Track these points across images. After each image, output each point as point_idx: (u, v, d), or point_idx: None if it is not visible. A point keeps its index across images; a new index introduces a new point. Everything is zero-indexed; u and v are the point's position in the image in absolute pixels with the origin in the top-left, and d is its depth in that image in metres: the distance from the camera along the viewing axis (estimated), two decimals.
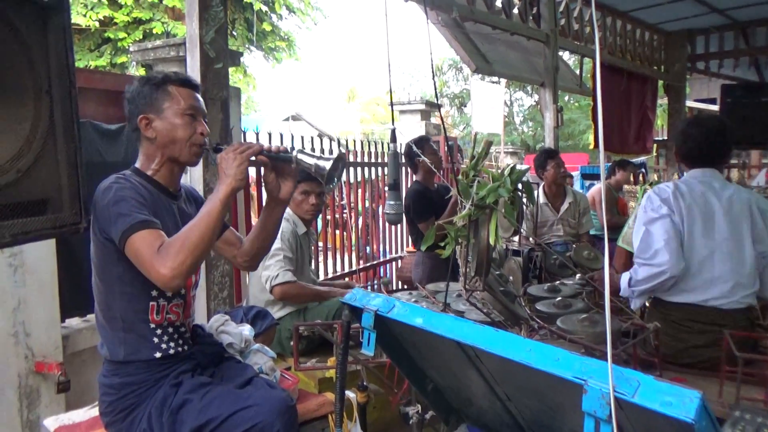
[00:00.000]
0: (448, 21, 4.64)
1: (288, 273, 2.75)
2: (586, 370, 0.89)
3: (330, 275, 4.78)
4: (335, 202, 5.07)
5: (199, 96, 1.71)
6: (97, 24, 10.26)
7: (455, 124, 22.32)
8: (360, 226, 5.31)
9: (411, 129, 6.57)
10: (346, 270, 5.03)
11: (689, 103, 9.50)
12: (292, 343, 2.24)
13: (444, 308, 2.14)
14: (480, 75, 8.44)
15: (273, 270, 2.74)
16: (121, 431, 1.64)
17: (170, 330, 1.67)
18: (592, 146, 7.36)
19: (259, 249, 1.84)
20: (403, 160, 4.01)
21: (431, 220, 3.48)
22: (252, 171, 3.20)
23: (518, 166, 2.05)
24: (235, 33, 11.68)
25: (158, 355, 1.64)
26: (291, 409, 1.61)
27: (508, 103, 22.07)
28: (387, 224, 5.48)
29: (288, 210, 2.73)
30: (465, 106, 22.26)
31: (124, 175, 1.63)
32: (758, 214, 2.15)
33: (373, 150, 5.32)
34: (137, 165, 1.71)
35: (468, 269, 1.98)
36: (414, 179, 4.02)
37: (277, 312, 2.78)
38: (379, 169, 5.40)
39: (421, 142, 3.67)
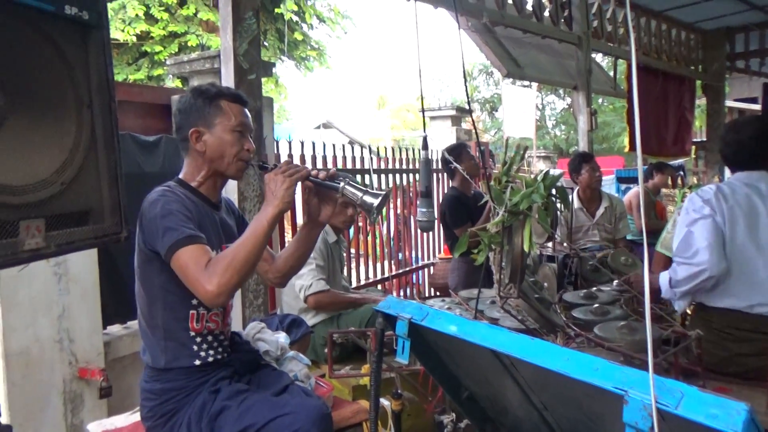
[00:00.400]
0: (478, 26, 4.62)
1: (321, 282, 2.76)
2: (626, 381, 0.87)
3: (363, 282, 4.79)
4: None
5: (248, 112, 1.74)
6: (134, 38, 10.59)
7: (486, 129, 22.16)
8: (392, 233, 5.31)
9: (442, 135, 6.55)
10: (379, 277, 5.04)
11: (729, 103, 9.22)
12: (326, 350, 2.24)
13: (475, 315, 2.12)
14: (511, 79, 8.38)
15: (306, 279, 2.75)
16: None
17: (209, 338, 1.70)
18: (627, 149, 7.20)
19: (292, 267, 1.86)
20: (440, 167, 4.00)
21: (467, 226, 3.46)
22: None
23: (551, 171, 2.01)
24: (267, 44, 11.87)
25: (197, 362, 1.66)
26: (327, 416, 1.61)
27: (540, 106, 21.80)
28: (419, 231, 5.47)
29: None
30: (496, 111, 22.08)
31: (169, 186, 1.66)
32: None
33: (404, 156, 5.33)
34: (182, 176, 1.73)
35: (502, 276, 1.96)
36: (451, 185, 4.01)
37: (310, 319, 2.79)
38: (411, 175, 5.40)
39: (458, 148, 3.67)
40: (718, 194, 2.13)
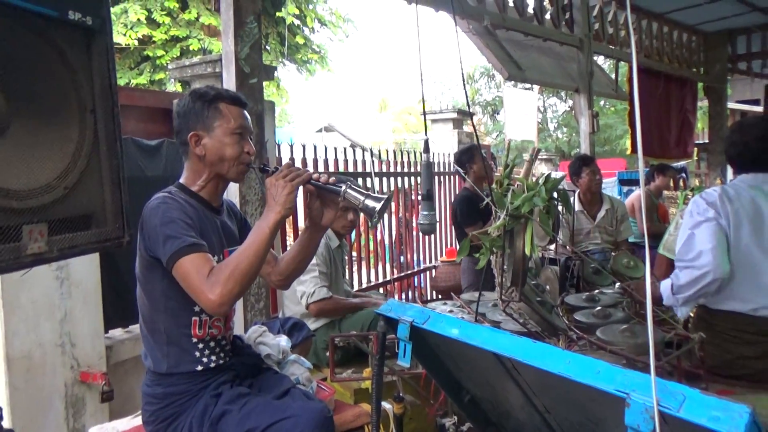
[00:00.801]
0: (479, 29, 4.63)
1: (323, 290, 2.75)
2: (628, 383, 0.87)
3: (364, 285, 4.78)
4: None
5: (247, 114, 1.73)
6: (136, 42, 10.59)
7: (488, 131, 22.14)
8: (394, 236, 5.31)
9: (443, 138, 6.55)
10: (380, 280, 5.03)
11: (731, 105, 9.21)
12: (327, 354, 2.24)
13: (476, 318, 2.11)
14: (512, 82, 8.38)
15: (308, 287, 2.74)
16: None
17: (212, 344, 1.69)
18: (629, 151, 7.18)
19: (295, 270, 1.86)
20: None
21: (478, 226, 3.47)
22: None
23: (553, 174, 2.01)
24: (268, 47, 11.88)
25: (199, 368, 1.66)
26: (328, 420, 1.61)
27: (542, 109, 21.77)
28: (421, 234, 5.47)
29: None
30: (498, 114, 22.06)
31: (170, 192, 1.65)
32: None
33: (405, 159, 5.33)
34: (182, 181, 1.73)
35: (504, 279, 1.95)
36: (463, 186, 4.02)
37: (312, 323, 2.79)
38: (412, 178, 5.40)
39: (471, 150, 3.72)
40: (723, 197, 2.11)
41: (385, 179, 5.02)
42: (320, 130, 16.96)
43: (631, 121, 6.52)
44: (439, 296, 4.88)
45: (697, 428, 0.79)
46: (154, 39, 10.77)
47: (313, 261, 2.74)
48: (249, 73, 2.67)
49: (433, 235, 5.66)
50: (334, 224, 2.87)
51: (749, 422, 0.75)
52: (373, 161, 4.76)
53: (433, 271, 5.47)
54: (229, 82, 2.64)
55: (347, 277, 3.31)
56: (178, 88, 8.90)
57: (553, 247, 3.05)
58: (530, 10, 4.85)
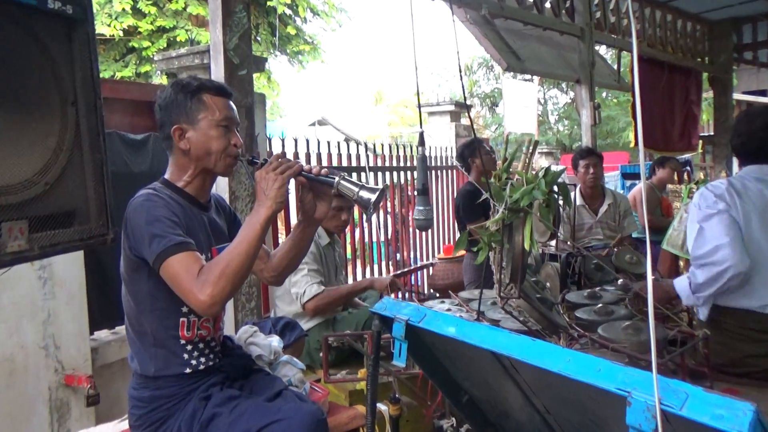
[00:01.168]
0: (477, 18, 4.55)
1: (314, 286, 2.71)
2: (629, 381, 0.86)
3: None
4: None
5: (233, 105, 1.68)
6: (121, 33, 10.37)
7: (487, 124, 22.08)
8: (389, 233, 5.24)
9: (440, 131, 6.48)
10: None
11: (736, 96, 9.10)
12: (321, 354, 2.21)
13: (477, 317, 2.06)
14: (512, 73, 8.31)
15: (300, 287, 2.71)
16: None
17: (201, 345, 1.66)
18: (632, 144, 7.13)
19: (288, 266, 1.83)
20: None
21: (480, 221, 3.43)
22: None
23: (554, 167, 1.96)
24: (259, 38, 11.68)
25: (188, 370, 1.63)
26: (322, 422, 1.58)
27: (542, 101, 21.70)
28: (417, 231, 5.40)
29: None
30: (497, 106, 21.99)
31: (154, 189, 1.60)
32: None
33: (401, 153, 5.26)
34: (167, 176, 1.67)
35: (502, 276, 1.90)
36: (467, 180, 3.99)
37: (305, 323, 2.74)
38: (408, 173, 5.33)
39: (474, 143, 3.66)
40: (731, 189, 2.06)
41: (380, 174, 4.95)
42: (313, 124, 16.92)
43: (634, 113, 6.45)
44: (437, 294, 4.83)
45: (700, 427, 0.78)
46: (139, 30, 10.59)
47: (303, 260, 2.69)
48: (238, 65, 2.61)
49: (430, 232, 5.60)
50: (327, 223, 2.82)
51: (753, 420, 0.74)
52: (367, 155, 4.70)
53: (431, 268, 5.40)
54: (218, 74, 2.58)
55: (344, 274, 3.27)
56: (165, 80, 8.81)
57: (553, 242, 3.00)
58: None
